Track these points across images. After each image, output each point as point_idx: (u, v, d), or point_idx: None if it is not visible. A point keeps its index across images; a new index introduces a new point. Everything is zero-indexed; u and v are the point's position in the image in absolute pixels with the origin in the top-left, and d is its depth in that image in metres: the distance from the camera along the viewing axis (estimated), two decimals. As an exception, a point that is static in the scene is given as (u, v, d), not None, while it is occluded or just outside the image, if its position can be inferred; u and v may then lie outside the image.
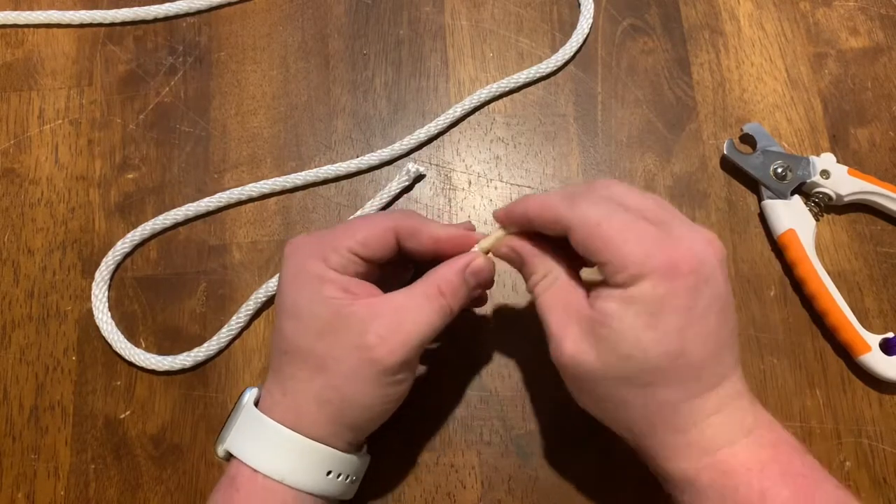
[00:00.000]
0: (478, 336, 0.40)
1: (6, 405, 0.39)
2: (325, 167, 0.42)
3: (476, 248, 0.33)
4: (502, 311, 0.40)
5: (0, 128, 0.44)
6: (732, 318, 0.29)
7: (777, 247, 0.41)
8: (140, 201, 0.43)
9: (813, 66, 0.45)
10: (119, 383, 0.39)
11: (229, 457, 0.31)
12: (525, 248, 0.32)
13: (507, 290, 0.40)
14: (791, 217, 0.40)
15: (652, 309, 0.27)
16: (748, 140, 0.43)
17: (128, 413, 0.39)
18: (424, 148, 0.44)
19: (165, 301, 0.41)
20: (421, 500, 0.37)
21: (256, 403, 0.31)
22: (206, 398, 0.39)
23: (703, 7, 0.46)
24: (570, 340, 0.29)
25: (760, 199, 0.41)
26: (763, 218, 0.41)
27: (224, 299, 0.41)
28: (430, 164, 0.43)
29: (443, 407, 0.39)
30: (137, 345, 0.40)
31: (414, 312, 0.30)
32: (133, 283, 0.41)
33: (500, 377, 0.39)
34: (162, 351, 0.40)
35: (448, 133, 0.44)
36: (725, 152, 0.42)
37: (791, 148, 0.43)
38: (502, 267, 0.41)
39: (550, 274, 0.31)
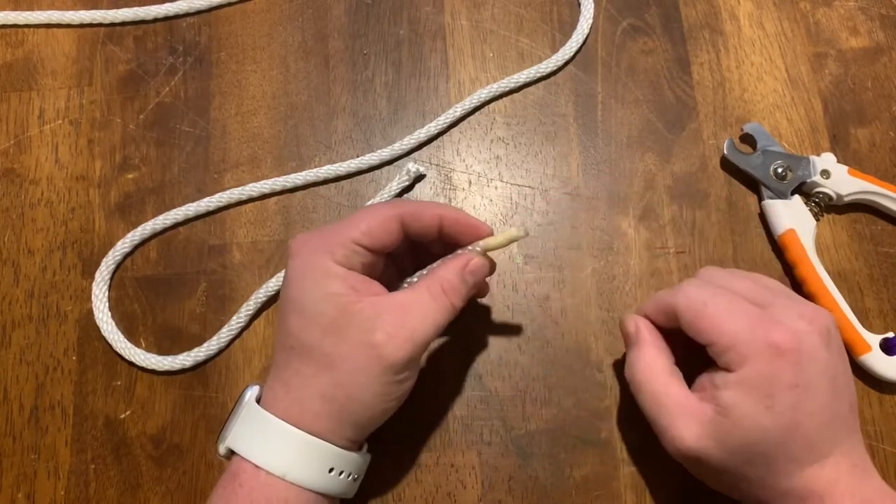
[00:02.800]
0: (478, 336, 0.40)
1: (6, 405, 0.39)
2: (325, 167, 0.42)
3: (480, 246, 0.33)
4: (503, 312, 0.40)
5: (0, 128, 0.44)
6: (845, 388, 0.30)
7: (777, 247, 0.41)
8: (140, 201, 0.43)
9: (813, 66, 0.45)
10: (119, 383, 0.39)
11: (230, 455, 0.31)
12: (646, 331, 0.33)
13: (507, 291, 0.40)
14: (791, 217, 0.40)
15: (766, 391, 0.29)
16: (748, 140, 0.43)
17: (128, 413, 0.39)
18: (424, 148, 0.44)
19: (165, 301, 0.41)
20: (421, 500, 0.37)
21: (258, 401, 0.31)
22: (206, 398, 0.39)
23: (703, 7, 0.46)
24: (691, 435, 0.30)
25: (760, 199, 0.41)
26: (763, 218, 0.41)
27: (224, 299, 0.41)
28: (430, 164, 0.43)
29: (443, 407, 0.39)
30: (137, 345, 0.40)
31: (419, 310, 0.30)
32: (133, 283, 0.41)
33: (500, 377, 0.39)
34: (162, 351, 0.40)
35: (448, 133, 0.44)
36: (725, 152, 0.42)
37: (791, 148, 0.43)
38: (503, 267, 0.41)
39: (657, 362, 0.33)
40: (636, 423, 0.38)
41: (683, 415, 0.31)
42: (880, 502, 0.29)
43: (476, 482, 0.37)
